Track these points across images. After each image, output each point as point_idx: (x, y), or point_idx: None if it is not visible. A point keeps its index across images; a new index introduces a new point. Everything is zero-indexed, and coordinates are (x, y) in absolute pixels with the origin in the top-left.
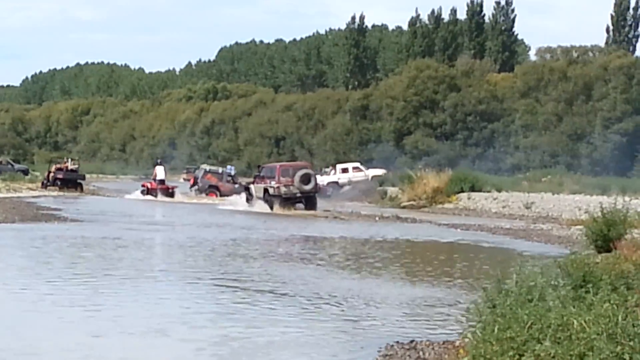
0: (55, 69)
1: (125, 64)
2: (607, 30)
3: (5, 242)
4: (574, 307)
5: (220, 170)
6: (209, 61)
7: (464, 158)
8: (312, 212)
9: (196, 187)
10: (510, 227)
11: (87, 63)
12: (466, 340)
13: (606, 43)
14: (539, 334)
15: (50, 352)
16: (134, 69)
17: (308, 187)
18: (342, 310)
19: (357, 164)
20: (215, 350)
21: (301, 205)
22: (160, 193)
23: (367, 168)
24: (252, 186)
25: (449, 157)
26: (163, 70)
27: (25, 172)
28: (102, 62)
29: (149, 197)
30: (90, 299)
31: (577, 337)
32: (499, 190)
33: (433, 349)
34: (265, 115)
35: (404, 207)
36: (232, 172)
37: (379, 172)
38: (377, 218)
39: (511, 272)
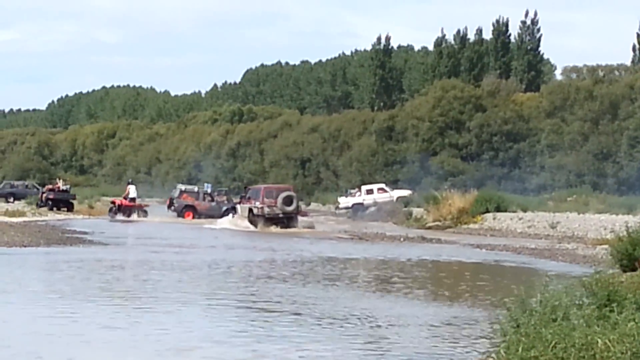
0: (81, 93)
1: (151, 87)
2: (633, 49)
3: (32, 266)
4: (598, 326)
5: (196, 189)
6: (235, 83)
7: (490, 178)
8: (320, 231)
9: (172, 207)
10: (535, 247)
11: (112, 86)
12: (490, 359)
13: (632, 62)
14: (563, 353)
15: None
16: (160, 91)
17: (290, 208)
18: (367, 330)
19: (382, 185)
20: None
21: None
22: (133, 211)
23: (392, 189)
24: (238, 206)
25: (475, 177)
26: (189, 92)
27: None
28: (128, 85)
29: (120, 216)
30: (123, 320)
31: (601, 356)
32: (525, 210)
33: None
34: (291, 137)
35: (429, 228)
36: (209, 190)
37: (404, 193)
38: (402, 239)
39: (535, 291)
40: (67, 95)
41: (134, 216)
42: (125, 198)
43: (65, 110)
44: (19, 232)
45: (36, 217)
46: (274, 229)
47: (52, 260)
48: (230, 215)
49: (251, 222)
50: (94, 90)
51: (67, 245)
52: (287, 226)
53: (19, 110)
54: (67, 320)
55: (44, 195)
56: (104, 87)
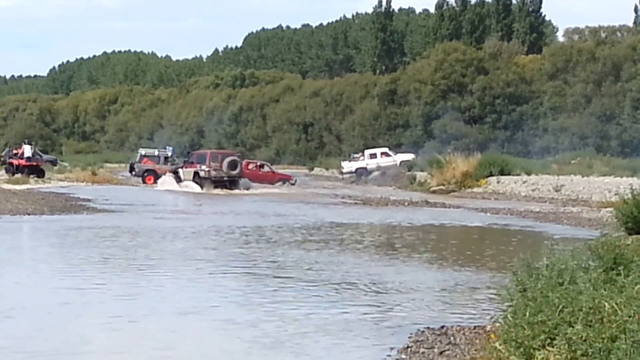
0: (82, 58)
1: (152, 52)
2: (635, 10)
3: (36, 233)
4: (605, 289)
5: (156, 152)
6: (236, 48)
7: (493, 141)
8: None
9: (133, 172)
10: (539, 210)
11: (113, 52)
12: (497, 324)
13: (634, 23)
14: (571, 317)
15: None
16: (161, 56)
17: (234, 172)
18: (372, 296)
19: (386, 149)
20: (250, 333)
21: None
22: (29, 171)
23: (396, 153)
24: (180, 170)
25: (478, 140)
26: (190, 57)
27: (54, 163)
28: (129, 51)
29: (19, 175)
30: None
31: (608, 319)
32: (528, 174)
33: (464, 334)
34: (293, 102)
35: (433, 192)
36: (169, 154)
37: (408, 157)
38: (406, 203)
39: (541, 255)
40: (68, 61)
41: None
42: (20, 158)
43: (67, 76)
44: (22, 200)
45: (39, 184)
46: (219, 191)
47: (57, 228)
48: (166, 177)
49: (197, 183)
50: (95, 56)
51: (70, 212)
52: (230, 189)
53: (20, 76)
54: (85, 289)
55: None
56: (105, 53)
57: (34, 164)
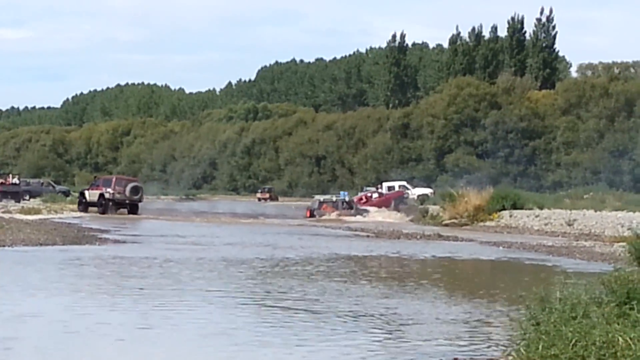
0: (95, 90)
1: (166, 85)
2: None
3: (47, 264)
4: (618, 324)
5: (334, 198)
6: (249, 81)
7: (506, 176)
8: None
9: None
10: (552, 244)
11: (127, 84)
12: (510, 357)
13: None
14: (584, 351)
15: None
16: (174, 89)
17: (136, 197)
18: (385, 328)
19: (404, 183)
20: None
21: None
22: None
23: (413, 187)
24: (87, 192)
25: (491, 175)
26: (203, 90)
27: (66, 194)
28: (143, 83)
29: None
30: (143, 317)
31: (622, 354)
32: (541, 208)
33: None
34: (306, 135)
35: (445, 225)
36: (347, 198)
37: (425, 191)
38: (418, 236)
39: (554, 289)
40: (82, 93)
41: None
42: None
43: (80, 108)
44: (35, 230)
45: (51, 214)
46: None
47: (69, 258)
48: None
49: (100, 204)
50: (108, 88)
51: (82, 243)
52: (131, 212)
53: (34, 107)
54: (99, 317)
55: None
56: (118, 85)
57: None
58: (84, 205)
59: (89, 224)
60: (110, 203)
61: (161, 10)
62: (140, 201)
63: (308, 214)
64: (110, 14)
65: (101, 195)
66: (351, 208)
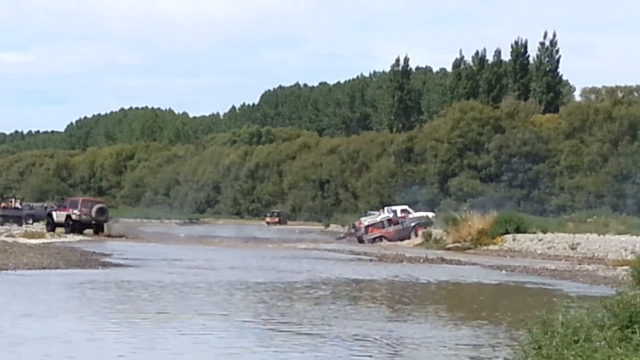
0: (99, 114)
1: (169, 109)
2: None
3: (52, 288)
4: (620, 347)
5: (378, 218)
6: (253, 105)
7: (509, 199)
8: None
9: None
10: (555, 268)
11: (131, 108)
12: None
13: None
14: None
15: None
16: (178, 113)
17: (102, 218)
18: (388, 352)
19: (406, 207)
20: None
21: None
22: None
23: (415, 211)
24: (54, 213)
25: (494, 198)
26: (207, 114)
27: None
28: (146, 107)
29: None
30: (148, 340)
31: None
32: (544, 232)
33: None
34: (310, 159)
35: (448, 249)
36: (390, 215)
37: (424, 215)
38: (421, 260)
39: (557, 313)
40: (85, 117)
41: None
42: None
43: (84, 132)
44: (38, 254)
45: (55, 238)
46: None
47: (72, 282)
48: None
49: (67, 225)
50: (112, 112)
51: (85, 267)
52: (97, 232)
53: (38, 132)
54: (104, 342)
55: None
56: (122, 109)
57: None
58: (52, 226)
59: (93, 248)
60: (77, 224)
61: (162, 34)
62: (106, 221)
63: (346, 240)
64: (111, 37)
65: (68, 217)
66: (397, 224)
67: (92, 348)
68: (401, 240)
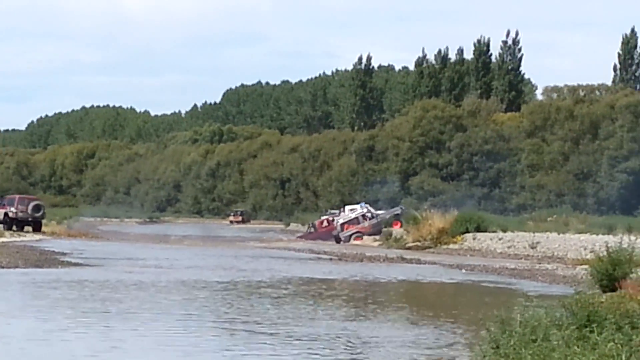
0: (60, 113)
1: (131, 107)
2: (614, 69)
3: (11, 288)
4: (578, 347)
5: (352, 215)
6: (215, 103)
7: (470, 198)
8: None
9: (340, 243)
10: (515, 267)
11: (92, 106)
12: None
13: (613, 82)
14: None
15: None
16: (140, 111)
17: (38, 215)
18: (347, 350)
19: (367, 205)
20: None
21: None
22: None
23: (376, 209)
24: None
25: (455, 197)
26: (169, 113)
27: None
28: (108, 105)
29: None
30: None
31: None
32: (505, 231)
33: None
34: (271, 157)
35: (408, 248)
36: (364, 210)
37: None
38: (381, 259)
39: (515, 312)
40: (46, 115)
41: None
42: None
43: (45, 130)
44: None
45: (14, 237)
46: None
47: (31, 282)
48: None
49: (5, 222)
50: (73, 111)
51: (45, 266)
52: (34, 229)
53: None
54: (56, 341)
55: None
56: (83, 107)
57: None
58: None
59: (51, 247)
60: (14, 221)
61: (125, 32)
62: (42, 218)
63: (310, 238)
64: (73, 35)
65: (5, 214)
66: (372, 218)
67: (53, 348)
68: (377, 234)
